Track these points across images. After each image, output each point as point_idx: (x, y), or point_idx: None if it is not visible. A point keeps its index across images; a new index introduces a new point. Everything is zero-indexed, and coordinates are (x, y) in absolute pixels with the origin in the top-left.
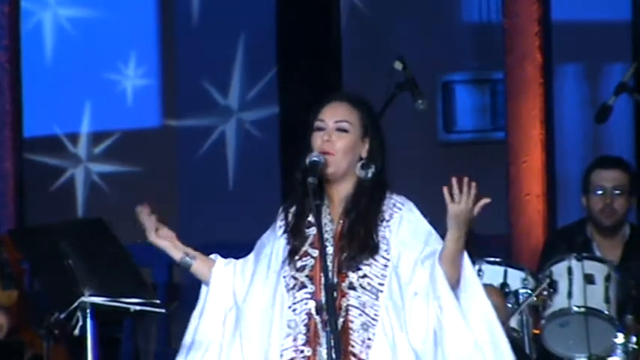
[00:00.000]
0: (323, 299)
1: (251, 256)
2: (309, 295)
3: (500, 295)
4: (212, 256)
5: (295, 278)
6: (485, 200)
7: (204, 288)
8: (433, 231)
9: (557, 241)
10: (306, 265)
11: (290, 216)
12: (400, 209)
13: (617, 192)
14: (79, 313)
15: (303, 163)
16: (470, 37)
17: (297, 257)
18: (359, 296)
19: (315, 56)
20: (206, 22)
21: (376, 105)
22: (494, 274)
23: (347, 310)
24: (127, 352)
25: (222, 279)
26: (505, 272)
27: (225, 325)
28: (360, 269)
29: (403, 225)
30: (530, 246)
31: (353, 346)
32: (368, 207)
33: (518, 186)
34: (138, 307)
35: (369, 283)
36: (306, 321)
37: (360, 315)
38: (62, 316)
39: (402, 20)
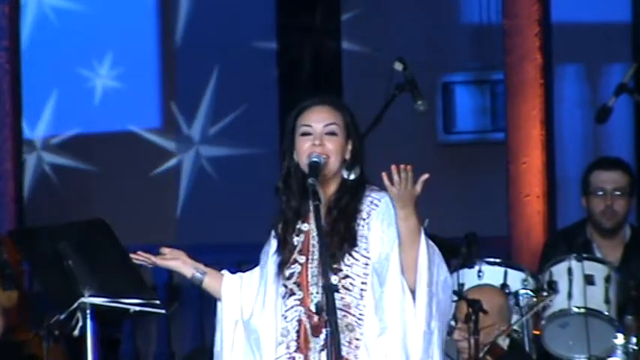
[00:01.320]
0: (321, 299)
1: (257, 268)
2: (297, 302)
3: (503, 295)
4: (222, 271)
5: (285, 286)
6: (425, 176)
7: (219, 303)
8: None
9: (558, 242)
10: (293, 272)
11: (279, 229)
12: (377, 206)
13: (618, 193)
14: (78, 314)
15: (286, 169)
16: (470, 38)
17: (285, 266)
18: (342, 297)
19: (316, 58)
20: (188, 45)
21: (376, 106)
22: (494, 274)
23: None
24: (126, 352)
25: (231, 293)
26: (505, 273)
27: (235, 336)
28: (340, 270)
29: (377, 222)
30: (530, 247)
31: (343, 346)
32: (348, 205)
33: (518, 187)
34: (138, 308)
35: (351, 284)
36: (297, 327)
37: (345, 316)
38: (62, 316)
39: (403, 21)
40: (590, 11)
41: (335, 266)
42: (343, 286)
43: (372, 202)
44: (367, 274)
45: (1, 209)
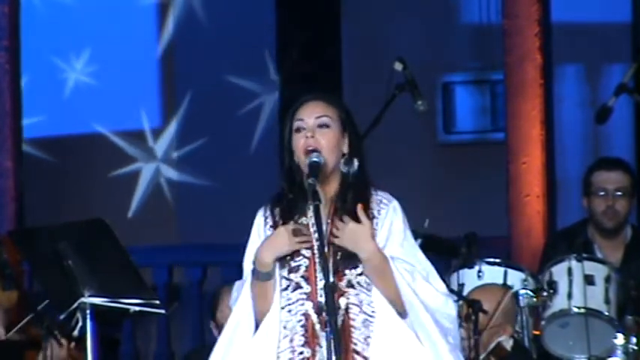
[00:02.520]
0: (322, 299)
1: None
2: (304, 296)
3: (510, 296)
4: None
5: (288, 279)
6: (360, 205)
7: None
8: (408, 233)
9: (558, 243)
10: (300, 265)
11: (277, 217)
12: (387, 205)
13: (619, 193)
14: (78, 314)
15: (287, 165)
16: (470, 38)
17: (288, 257)
18: (357, 294)
19: (316, 59)
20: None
21: (376, 106)
22: (494, 274)
23: (347, 309)
24: (126, 352)
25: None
26: (505, 273)
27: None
28: (356, 267)
29: (387, 221)
30: (530, 247)
31: (355, 344)
32: (356, 205)
33: (518, 187)
34: (137, 308)
35: (365, 281)
36: (303, 322)
37: (360, 312)
38: (62, 316)
39: (402, 21)
40: (590, 11)
41: (350, 262)
42: (358, 283)
43: (381, 202)
44: None
45: (0, 209)
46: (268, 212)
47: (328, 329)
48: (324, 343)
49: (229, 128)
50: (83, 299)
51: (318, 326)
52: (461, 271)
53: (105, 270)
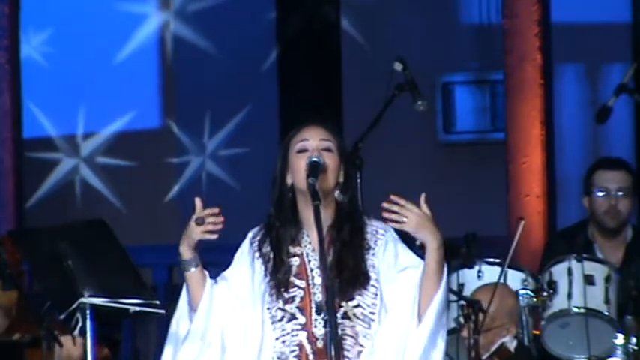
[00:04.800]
0: (320, 333)
1: (224, 284)
2: (299, 326)
3: (514, 296)
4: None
5: (283, 310)
6: (423, 195)
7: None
8: (409, 251)
9: (559, 243)
10: (294, 296)
11: (265, 245)
12: (383, 235)
13: (621, 193)
14: (78, 314)
15: (278, 193)
16: (470, 38)
17: (282, 289)
18: (353, 325)
19: (316, 59)
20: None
21: (376, 106)
22: (494, 274)
23: (342, 339)
24: (126, 352)
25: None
26: (505, 273)
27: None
28: (353, 299)
29: (388, 251)
30: (529, 247)
31: None
32: (352, 236)
33: (517, 187)
34: (137, 308)
35: (362, 313)
36: (296, 352)
37: (355, 344)
38: (62, 316)
39: (402, 21)
40: (590, 11)
41: (347, 295)
42: (354, 315)
43: (376, 232)
44: (376, 304)
45: (1, 209)
46: (257, 238)
47: (328, 328)
48: None
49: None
50: (83, 299)
51: (311, 357)
52: (461, 271)
53: (105, 270)
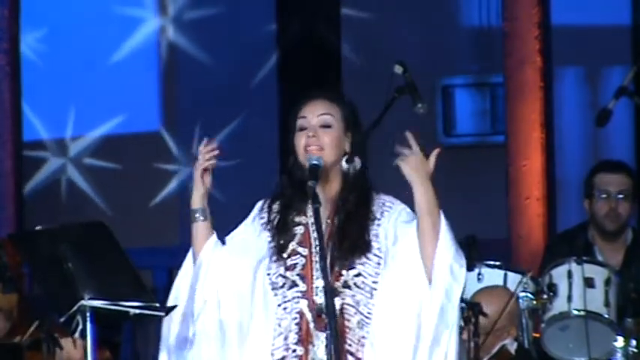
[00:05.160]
0: (319, 301)
1: (225, 249)
2: (300, 294)
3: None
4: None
5: (285, 277)
6: (437, 150)
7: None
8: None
9: (559, 245)
10: (296, 263)
11: (272, 213)
12: (391, 207)
13: (622, 196)
14: (78, 317)
15: (291, 163)
16: (470, 41)
17: (285, 255)
18: (353, 295)
19: (315, 60)
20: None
21: (376, 109)
22: (494, 277)
23: (342, 309)
24: (126, 355)
25: (215, 265)
26: (505, 276)
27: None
28: (354, 268)
29: (398, 221)
30: (529, 249)
31: (350, 345)
32: (357, 206)
33: (518, 189)
34: (137, 311)
35: (363, 282)
36: (297, 320)
37: (355, 314)
38: (62, 319)
39: (402, 24)
40: (590, 14)
41: (347, 263)
42: (355, 284)
43: (384, 204)
44: (379, 274)
45: (1, 210)
46: (266, 206)
47: (328, 332)
48: (317, 342)
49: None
50: (83, 302)
51: (312, 325)
52: None
53: (105, 273)
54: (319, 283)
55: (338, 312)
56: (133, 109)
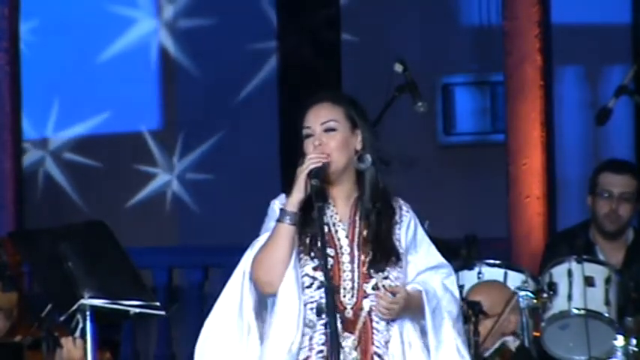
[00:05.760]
0: (348, 302)
1: None
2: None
3: (507, 287)
4: None
5: (313, 277)
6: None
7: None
8: (429, 241)
9: (559, 244)
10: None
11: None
12: (408, 212)
13: (624, 198)
14: (78, 316)
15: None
16: (470, 40)
17: (313, 254)
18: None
19: (315, 57)
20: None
21: (376, 107)
22: (494, 276)
23: (370, 311)
24: (126, 354)
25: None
26: (505, 274)
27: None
28: (384, 271)
29: (411, 228)
30: (530, 248)
31: (378, 347)
32: (385, 209)
33: (518, 188)
34: (138, 310)
35: (389, 285)
36: (324, 320)
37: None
38: (62, 318)
39: (402, 22)
40: (590, 13)
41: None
42: (383, 286)
43: (401, 208)
44: (399, 278)
45: (1, 210)
46: (282, 204)
47: (328, 330)
48: (344, 343)
49: (232, 131)
50: (83, 301)
51: (340, 326)
52: (461, 273)
53: (105, 272)
54: (347, 284)
55: (366, 314)
56: (118, 109)
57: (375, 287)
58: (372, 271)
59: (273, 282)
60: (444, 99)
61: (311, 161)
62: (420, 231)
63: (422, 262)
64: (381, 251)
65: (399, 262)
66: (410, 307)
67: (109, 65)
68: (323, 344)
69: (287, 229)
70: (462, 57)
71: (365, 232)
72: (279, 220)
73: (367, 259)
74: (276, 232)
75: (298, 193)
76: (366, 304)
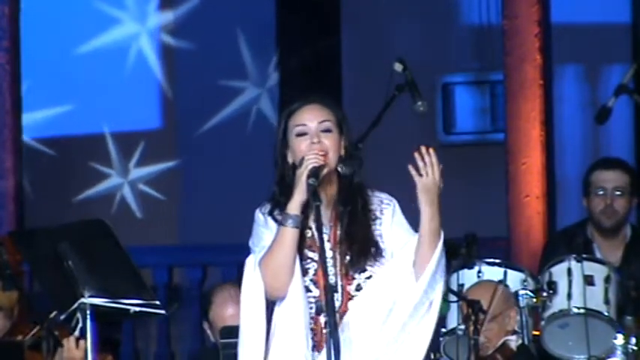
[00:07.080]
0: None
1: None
2: (313, 299)
3: (500, 285)
4: None
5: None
6: (439, 168)
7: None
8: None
9: (558, 243)
10: (309, 268)
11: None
12: (389, 204)
13: (618, 192)
14: (78, 315)
15: (280, 172)
16: (470, 39)
17: (301, 257)
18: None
19: (315, 57)
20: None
21: (376, 107)
22: (493, 275)
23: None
24: (126, 353)
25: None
26: (505, 273)
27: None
28: (365, 270)
29: (395, 220)
30: (529, 247)
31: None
32: (358, 209)
33: (517, 187)
34: (138, 309)
35: (373, 283)
36: (312, 325)
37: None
38: (62, 317)
39: (402, 22)
40: (590, 12)
41: (360, 267)
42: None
43: (381, 202)
44: (385, 274)
45: (1, 209)
46: (267, 213)
47: (328, 329)
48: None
49: (228, 129)
50: (83, 300)
51: (326, 330)
52: (461, 272)
53: (105, 271)
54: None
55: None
56: (83, 105)
57: (359, 288)
58: (352, 271)
59: (282, 286)
60: (443, 98)
61: (310, 161)
62: (398, 216)
63: (409, 237)
64: (357, 251)
65: (380, 259)
66: (435, 216)
67: (84, 59)
68: (312, 350)
69: (291, 233)
70: (462, 56)
71: (338, 234)
72: (281, 224)
73: (345, 261)
74: (279, 237)
75: (300, 195)
76: (351, 305)
